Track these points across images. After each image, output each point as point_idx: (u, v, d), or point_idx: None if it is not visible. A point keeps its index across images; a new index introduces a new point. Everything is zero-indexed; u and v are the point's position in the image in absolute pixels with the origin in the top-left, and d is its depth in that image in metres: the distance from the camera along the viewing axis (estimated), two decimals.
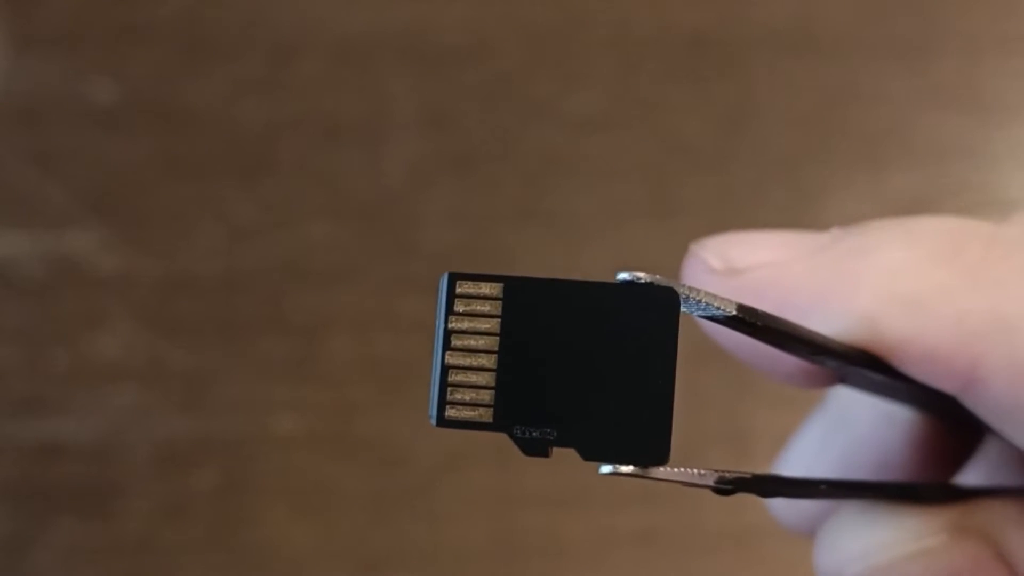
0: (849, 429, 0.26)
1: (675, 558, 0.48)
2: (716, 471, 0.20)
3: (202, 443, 0.48)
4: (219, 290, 0.49)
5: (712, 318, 0.19)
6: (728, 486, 0.20)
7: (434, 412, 0.18)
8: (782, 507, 0.28)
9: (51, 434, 0.49)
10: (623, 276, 0.18)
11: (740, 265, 0.23)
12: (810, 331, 0.21)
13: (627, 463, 0.18)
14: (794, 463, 0.27)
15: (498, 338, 0.18)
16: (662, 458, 0.18)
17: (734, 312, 0.19)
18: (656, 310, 0.18)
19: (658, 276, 0.18)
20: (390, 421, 0.49)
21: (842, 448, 0.26)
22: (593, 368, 0.18)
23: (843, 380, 0.24)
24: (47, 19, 0.51)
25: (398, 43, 0.51)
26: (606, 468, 0.18)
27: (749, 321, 0.19)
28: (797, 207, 0.49)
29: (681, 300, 0.18)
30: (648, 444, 0.18)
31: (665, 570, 0.48)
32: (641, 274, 0.18)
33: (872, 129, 0.51)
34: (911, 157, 0.50)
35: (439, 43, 0.51)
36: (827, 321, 0.22)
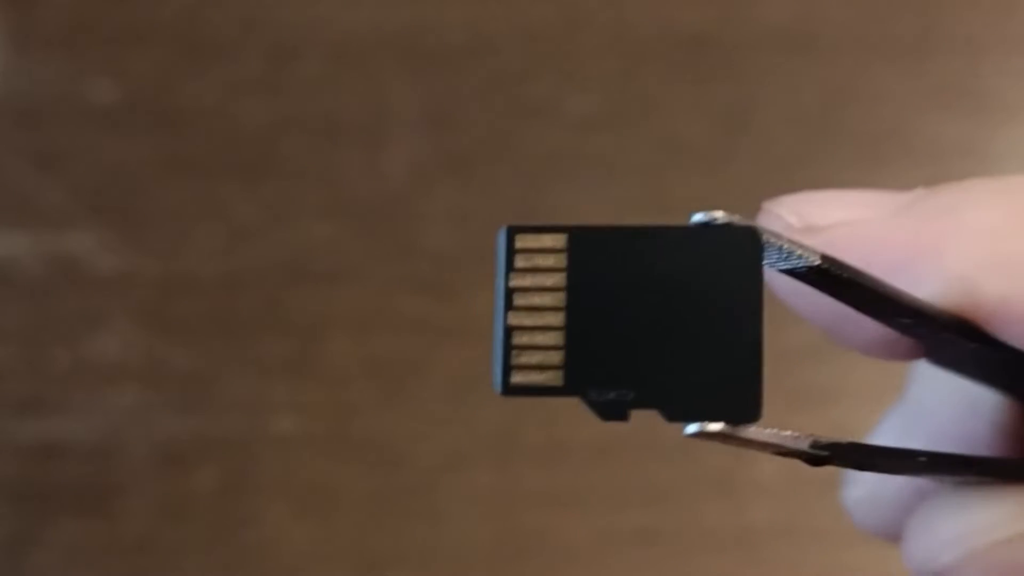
0: (930, 420, 0.24)
1: (675, 558, 0.48)
2: (810, 435, 0.18)
3: (202, 443, 0.48)
4: (219, 290, 0.49)
5: (792, 271, 0.18)
6: (823, 452, 0.18)
7: (499, 379, 0.17)
8: (864, 501, 0.25)
9: (51, 434, 0.49)
10: (698, 217, 0.17)
11: (820, 223, 0.21)
12: (900, 291, 0.19)
13: (715, 420, 0.16)
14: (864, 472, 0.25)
15: (564, 293, 0.17)
16: (754, 414, 0.16)
17: (818, 262, 0.17)
18: (736, 252, 0.16)
19: (736, 216, 0.17)
20: (390, 421, 0.49)
21: (924, 441, 0.24)
22: (670, 320, 0.16)
23: (928, 353, 0.23)
24: (47, 19, 0.51)
25: (398, 43, 0.51)
26: (692, 428, 0.16)
27: (834, 274, 0.18)
28: None
29: (762, 244, 0.17)
30: (737, 399, 0.16)
31: (666, 570, 0.48)
32: (718, 213, 0.17)
33: (872, 129, 0.51)
34: (911, 157, 0.50)
35: (439, 43, 0.51)
36: (916, 283, 0.20)
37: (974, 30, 0.51)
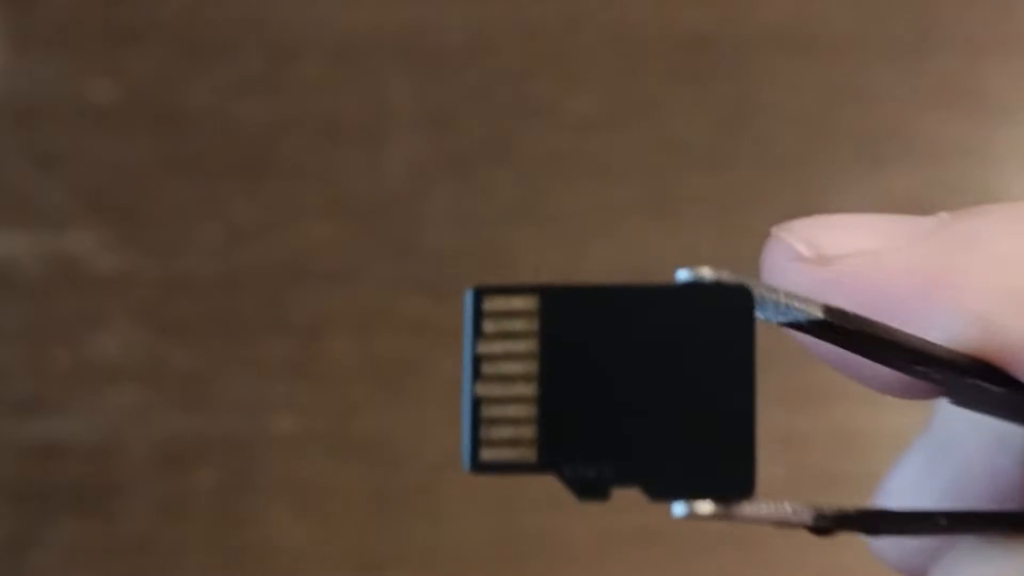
0: (957, 455, 0.23)
1: (676, 559, 0.48)
2: (812, 506, 0.16)
3: (202, 443, 0.48)
4: (219, 290, 0.49)
5: (793, 324, 0.16)
6: (828, 523, 0.17)
7: (467, 456, 0.15)
8: (889, 547, 0.24)
9: (51, 434, 0.49)
10: (683, 275, 0.15)
11: (832, 252, 0.20)
12: (911, 336, 0.18)
13: (704, 499, 0.15)
14: (895, 495, 0.24)
15: (537, 360, 0.15)
16: (747, 490, 0.15)
17: (820, 316, 0.16)
18: (726, 314, 0.15)
19: (725, 272, 0.15)
20: (390, 421, 0.49)
21: (949, 477, 0.23)
22: (653, 388, 0.15)
23: (949, 394, 0.21)
24: (46, 18, 0.51)
25: (398, 43, 0.51)
26: (679, 509, 0.15)
27: (838, 326, 0.16)
28: (798, 207, 0.49)
29: (756, 300, 0.15)
30: (728, 474, 0.15)
31: (665, 571, 0.48)
32: (705, 271, 0.15)
33: (872, 129, 0.50)
34: (911, 157, 0.50)
35: (439, 43, 0.51)
36: (933, 321, 0.19)
37: (973, 30, 0.51)
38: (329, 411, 0.49)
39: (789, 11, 0.51)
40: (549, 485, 0.50)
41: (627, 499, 0.48)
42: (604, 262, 0.49)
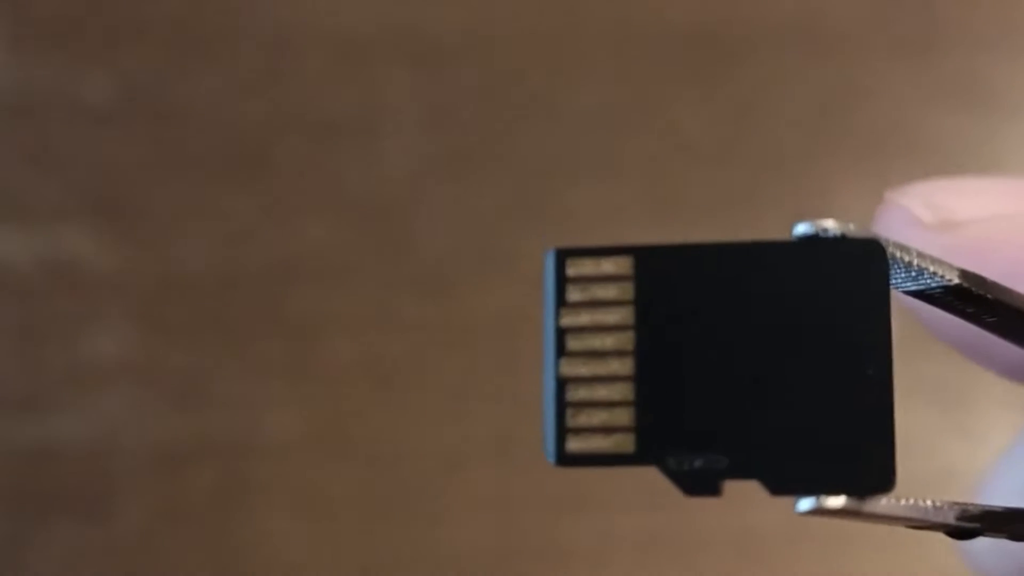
0: None
1: (676, 560, 0.47)
2: (956, 503, 0.14)
3: (200, 443, 0.48)
4: (216, 290, 0.49)
5: (923, 293, 0.14)
6: (973, 524, 0.14)
7: (551, 446, 0.13)
8: (984, 551, 0.21)
9: (47, 435, 0.48)
10: (803, 228, 0.13)
11: (959, 217, 0.18)
12: None
13: (835, 493, 0.13)
14: (1005, 487, 0.21)
15: (633, 333, 0.13)
16: (886, 483, 0.13)
17: (956, 281, 0.14)
18: (854, 273, 0.13)
19: (851, 225, 0.13)
20: (389, 422, 0.48)
21: None
22: (771, 364, 0.13)
23: None
24: (42, 15, 0.51)
25: (397, 41, 0.51)
26: (805, 504, 0.13)
27: (976, 294, 0.14)
28: (800, 204, 0.49)
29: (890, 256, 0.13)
30: (862, 464, 0.13)
31: (666, 571, 0.47)
32: (828, 223, 0.13)
33: (876, 126, 0.50)
34: (916, 154, 0.50)
35: (439, 41, 0.51)
36: None
37: (979, 27, 0.51)
38: (327, 411, 0.48)
39: (793, 9, 0.51)
40: (550, 487, 0.49)
41: (628, 500, 0.48)
42: None
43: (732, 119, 0.51)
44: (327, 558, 0.48)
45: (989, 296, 0.15)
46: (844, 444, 0.13)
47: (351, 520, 0.48)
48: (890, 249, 0.13)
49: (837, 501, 0.13)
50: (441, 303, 0.49)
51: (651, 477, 0.44)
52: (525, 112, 0.51)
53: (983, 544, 0.19)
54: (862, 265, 0.13)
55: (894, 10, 0.51)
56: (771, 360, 0.13)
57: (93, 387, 0.48)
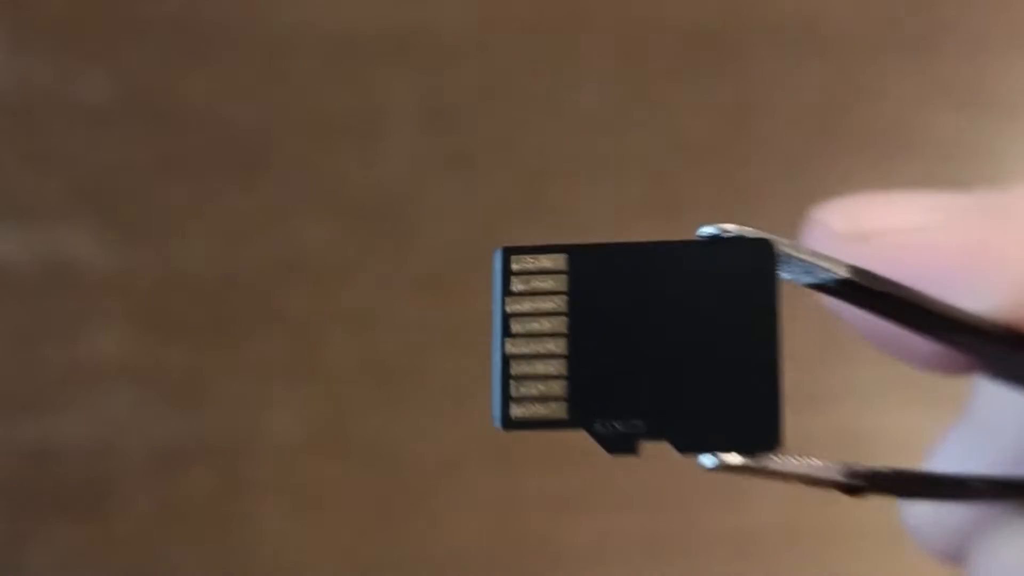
0: (996, 439, 0.23)
1: (676, 560, 0.47)
2: (843, 463, 0.17)
3: (199, 443, 0.48)
4: (216, 289, 0.49)
5: (820, 286, 0.16)
6: (860, 482, 0.17)
7: (498, 412, 0.16)
8: (926, 523, 0.23)
9: (47, 434, 0.48)
10: (707, 230, 0.16)
11: (870, 228, 0.20)
12: (941, 303, 0.18)
13: (732, 451, 0.15)
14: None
15: (566, 318, 0.16)
16: (773, 442, 0.15)
17: (846, 275, 0.16)
18: (750, 267, 0.15)
19: (749, 228, 0.15)
20: (389, 422, 0.48)
21: (990, 461, 0.22)
22: (680, 343, 0.15)
23: (986, 368, 0.21)
24: (41, 15, 0.51)
25: (397, 40, 0.51)
26: (708, 461, 0.15)
27: (866, 287, 0.16)
28: (800, 204, 0.49)
29: (780, 262, 0.15)
30: (755, 426, 0.15)
31: (666, 571, 0.47)
32: (729, 226, 0.15)
33: (876, 126, 0.50)
34: (915, 153, 0.50)
35: (438, 41, 0.51)
36: (973, 294, 0.19)
37: (978, 28, 0.51)
38: (327, 411, 0.48)
39: (793, 8, 0.51)
40: (550, 486, 0.49)
41: (627, 500, 0.48)
42: None
43: (732, 118, 0.51)
44: (327, 558, 0.48)
45: (876, 288, 0.17)
46: (739, 410, 0.15)
47: (351, 520, 0.48)
48: (784, 248, 0.16)
49: (734, 458, 0.15)
50: (441, 303, 0.49)
51: (651, 477, 0.45)
52: (525, 112, 0.51)
53: (923, 522, 0.23)
54: (754, 260, 0.15)
55: (894, 10, 0.51)
56: (680, 340, 0.15)
57: (93, 387, 0.48)
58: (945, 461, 0.23)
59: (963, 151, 0.50)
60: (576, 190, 0.50)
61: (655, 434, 0.15)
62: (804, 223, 0.21)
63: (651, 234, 0.51)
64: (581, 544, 0.47)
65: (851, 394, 0.48)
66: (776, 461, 0.15)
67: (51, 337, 0.49)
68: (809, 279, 0.16)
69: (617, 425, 0.16)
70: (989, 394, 0.23)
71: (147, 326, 0.49)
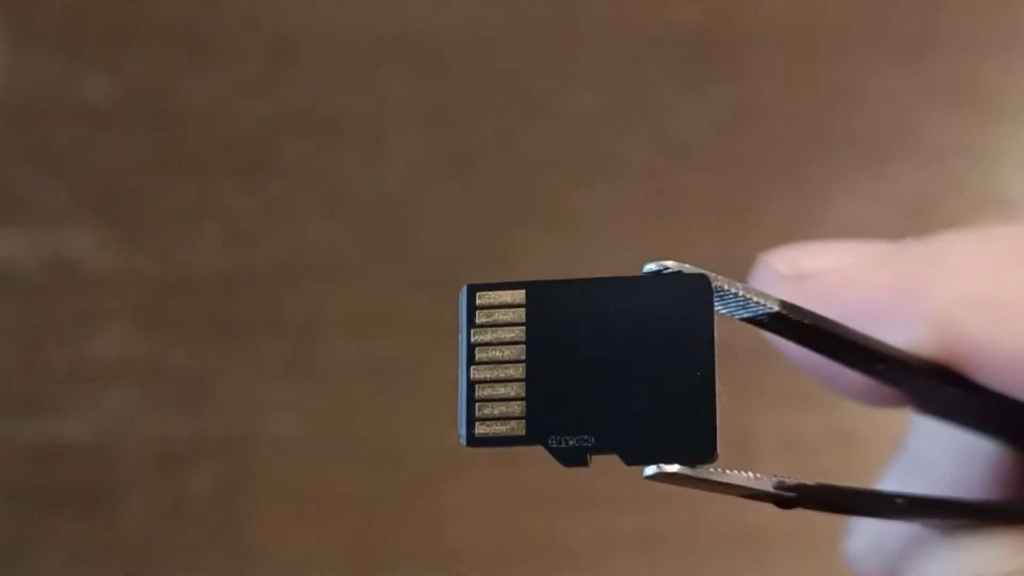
0: (929, 470, 0.24)
1: (676, 559, 0.47)
2: (775, 476, 0.18)
3: (200, 443, 0.48)
4: (217, 290, 0.49)
5: (754, 319, 0.18)
6: (790, 494, 0.18)
7: (463, 431, 0.17)
8: (863, 550, 0.25)
9: (49, 434, 0.48)
10: (650, 267, 0.17)
11: (809, 270, 0.22)
12: (866, 335, 0.20)
13: (671, 462, 0.17)
14: (867, 521, 0.25)
15: (524, 346, 0.17)
16: (709, 454, 0.17)
17: (775, 309, 0.18)
18: (688, 299, 0.17)
19: (687, 264, 0.17)
20: (389, 421, 0.48)
21: (922, 490, 0.24)
22: (626, 367, 0.17)
23: (914, 402, 0.23)
24: (45, 17, 0.51)
25: (398, 42, 0.51)
26: (650, 470, 0.17)
27: (795, 320, 0.18)
28: (798, 207, 0.49)
29: (716, 296, 0.17)
30: (693, 441, 0.17)
31: (666, 571, 0.47)
32: (669, 263, 0.17)
33: (873, 128, 0.50)
34: (912, 156, 0.50)
35: (439, 42, 0.51)
36: (899, 327, 0.21)
37: (975, 30, 0.51)
38: (328, 411, 0.49)
39: (790, 11, 0.51)
40: (548, 486, 0.50)
41: (627, 500, 0.48)
42: (604, 262, 0.49)
43: (729, 121, 0.51)
44: (327, 557, 0.48)
45: (805, 322, 0.18)
46: (678, 426, 0.17)
47: (352, 519, 0.48)
48: (719, 283, 0.17)
49: (672, 468, 0.17)
50: (441, 303, 0.49)
51: None
52: (525, 113, 0.51)
53: (861, 552, 0.25)
54: (692, 292, 0.17)
55: (892, 13, 0.51)
56: (626, 364, 0.17)
57: (95, 387, 0.49)
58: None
59: (960, 155, 0.50)
60: (575, 191, 0.50)
61: (604, 448, 0.17)
62: (753, 269, 0.23)
63: (649, 236, 0.51)
64: (582, 544, 0.48)
65: None
66: (713, 472, 0.17)
67: (54, 337, 0.49)
68: (745, 313, 0.18)
69: (570, 440, 0.17)
70: (922, 428, 0.24)
71: (149, 326, 0.49)
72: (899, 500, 0.21)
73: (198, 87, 0.51)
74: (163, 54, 0.51)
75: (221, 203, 0.50)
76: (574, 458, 0.17)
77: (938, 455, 0.24)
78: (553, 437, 0.17)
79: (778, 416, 0.47)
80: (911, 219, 0.49)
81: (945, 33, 0.51)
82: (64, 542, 0.48)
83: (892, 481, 0.25)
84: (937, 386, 0.21)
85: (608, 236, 0.50)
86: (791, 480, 0.18)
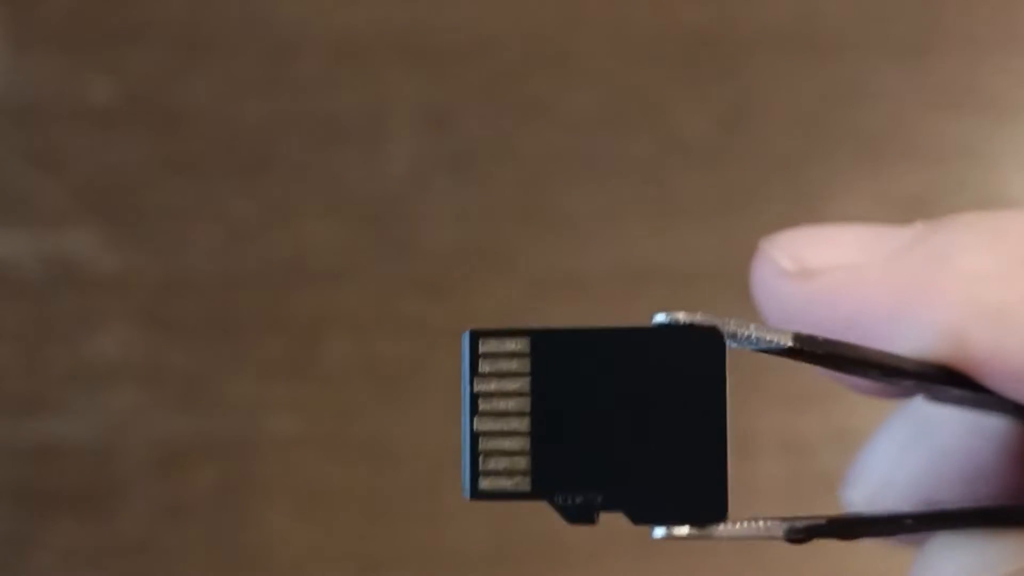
0: (933, 437, 0.24)
1: (676, 559, 0.47)
2: (784, 519, 0.18)
3: (201, 443, 0.48)
4: (218, 290, 0.49)
5: (767, 351, 0.18)
6: (801, 535, 0.18)
7: (467, 484, 0.17)
8: (861, 504, 0.25)
9: (49, 435, 0.48)
10: (660, 318, 0.17)
11: (814, 266, 0.21)
12: (880, 353, 0.20)
13: (681, 523, 0.16)
14: (869, 473, 0.25)
15: (529, 398, 0.17)
16: (719, 514, 0.16)
17: (790, 344, 0.18)
18: (700, 353, 0.17)
19: (699, 315, 0.17)
20: (389, 421, 0.48)
21: (925, 458, 0.24)
22: (634, 422, 0.17)
23: (925, 394, 0.23)
24: (46, 18, 0.51)
25: (398, 41, 0.51)
26: (659, 532, 0.16)
27: (808, 351, 0.18)
28: (798, 207, 0.49)
29: (729, 337, 0.17)
30: (703, 500, 0.16)
31: (666, 571, 0.47)
32: (680, 315, 0.17)
33: (873, 128, 0.50)
34: (912, 156, 0.50)
35: (439, 42, 0.51)
36: (905, 334, 0.20)
37: (974, 30, 0.51)
38: (329, 411, 0.49)
39: (790, 11, 0.51)
40: None
41: None
42: (604, 262, 0.49)
43: (729, 121, 0.51)
44: (328, 557, 0.48)
45: (820, 352, 0.18)
46: (688, 485, 0.16)
47: (352, 519, 0.48)
48: (730, 327, 0.17)
49: (682, 530, 0.16)
50: (441, 303, 0.49)
51: None
52: (525, 112, 0.51)
53: (861, 507, 0.24)
54: (704, 348, 0.17)
55: (892, 13, 0.51)
56: (634, 420, 0.17)
57: (96, 387, 0.49)
58: (883, 454, 0.25)
59: (960, 155, 0.50)
60: (575, 192, 0.50)
61: (611, 506, 0.17)
62: (754, 257, 0.22)
63: (648, 236, 0.51)
64: (581, 544, 0.48)
65: (847, 394, 0.48)
66: (722, 529, 0.17)
67: (55, 337, 0.49)
68: (758, 347, 0.18)
69: (576, 498, 0.17)
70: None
71: (150, 327, 0.49)
72: (909, 521, 0.21)
73: (198, 87, 0.51)
74: (163, 54, 0.51)
75: (221, 203, 0.50)
76: (581, 515, 0.17)
77: (946, 424, 0.24)
78: (559, 494, 0.17)
79: (778, 416, 0.47)
80: (911, 219, 0.49)
81: (945, 33, 0.51)
82: (64, 542, 0.48)
83: (891, 444, 0.25)
84: (945, 388, 0.21)
85: (608, 236, 0.50)
86: (800, 523, 0.18)
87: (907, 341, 0.20)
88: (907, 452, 0.24)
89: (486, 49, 0.51)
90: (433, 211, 0.50)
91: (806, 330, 0.18)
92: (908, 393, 0.22)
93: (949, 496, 0.23)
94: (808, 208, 0.49)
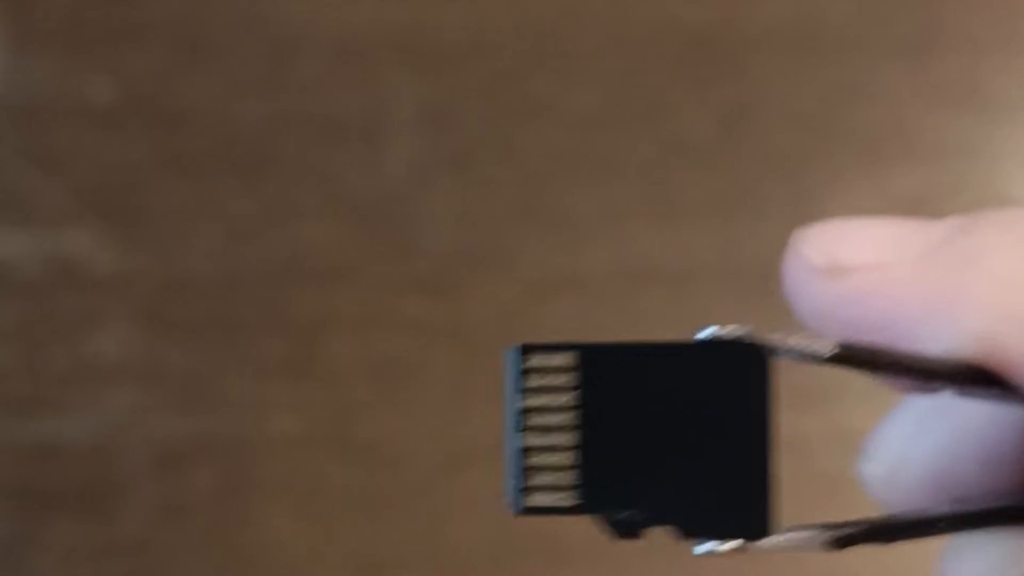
0: (952, 416, 0.24)
1: (676, 559, 0.47)
2: (824, 528, 0.18)
3: (201, 443, 0.48)
4: (218, 290, 0.49)
5: (808, 360, 0.18)
6: (841, 543, 0.19)
7: (514, 500, 0.17)
8: (879, 477, 0.25)
9: (49, 434, 0.48)
10: (706, 333, 0.17)
11: (846, 264, 0.21)
12: (916, 358, 0.20)
13: (725, 540, 0.17)
14: (886, 449, 0.25)
15: (576, 413, 0.17)
16: (763, 531, 0.17)
17: (831, 352, 0.18)
18: (745, 368, 0.17)
19: (745, 330, 0.17)
20: (389, 421, 0.48)
21: (943, 437, 0.24)
22: (681, 438, 0.17)
23: (954, 391, 0.23)
24: (45, 18, 0.51)
25: (398, 41, 0.51)
26: (702, 548, 0.17)
27: (848, 358, 0.18)
28: (798, 207, 0.49)
29: (773, 350, 0.17)
30: (747, 518, 0.17)
31: (665, 571, 0.47)
32: (725, 329, 0.17)
33: (873, 128, 0.50)
34: (912, 156, 0.50)
35: (439, 41, 0.51)
36: (938, 336, 0.20)
37: (975, 30, 0.51)
38: (328, 411, 0.49)
39: (790, 11, 0.51)
40: None
41: None
42: (604, 262, 0.49)
43: (730, 120, 0.51)
44: (327, 556, 0.48)
45: (858, 358, 0.18)
46: (732, 502, 0.17)
47: (352, 519, 0.48)
48: (776, 343, 0.17)
49: (726, 546, 0.17)
50: (441, 303, 0.49)
51: None
52: (525, 112, 0.51)
53: (879, 478, 0.24)
54: (750, 365, 0.17)
55: (892, 13, 0.51)
56: (681, 435, 0.17)
57: (96, 387, 0.49)
58: (900, 431, 0.24)
59: (961, 154, 0.50)
60: (575, 191, 0.50)
61: (657, 521, 0.17)
62: (786, 252, 0.22)
63: (648, 236, 0.51)
64: (581, 544, 0.48)
65: (847, 393, 0.48)
66: (765, 542, 0.17)
67: (55, 337, 0.49)
68: (800, 356, 0.18)
69: (622, 514, 0.17)
70: None
71: (150, 326, 0.49)
72: (941, 523, 0.21)
73: (198, 87, 0.51)
74: (163, 54, 0.51)
75: (221, 203, 0.50)
76: (626, 530, 0.17)
77: (968, 408, 0.24)
78: (606, 509, 0.17)
79: (778, 416, 0.47)
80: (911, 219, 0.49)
81: (945, 33, 0.51)
82: (64, 542, 0.48)
83: (909, 421, 0.25)
84: (975, 387, 0.21)
85: (608, 236, 0.50)
86: (841, 532, 0.18)
87: (938, 343, 0.20)
88: (923, 431, 0.24)
89: (486, 49, 0.51)
90: (433, 211, 0.50)
91: (837, 327, 0.18)
92: (938, 389, 0.22)
93: (964, 478, 0.23)
94: (808, 208, 0.49)
